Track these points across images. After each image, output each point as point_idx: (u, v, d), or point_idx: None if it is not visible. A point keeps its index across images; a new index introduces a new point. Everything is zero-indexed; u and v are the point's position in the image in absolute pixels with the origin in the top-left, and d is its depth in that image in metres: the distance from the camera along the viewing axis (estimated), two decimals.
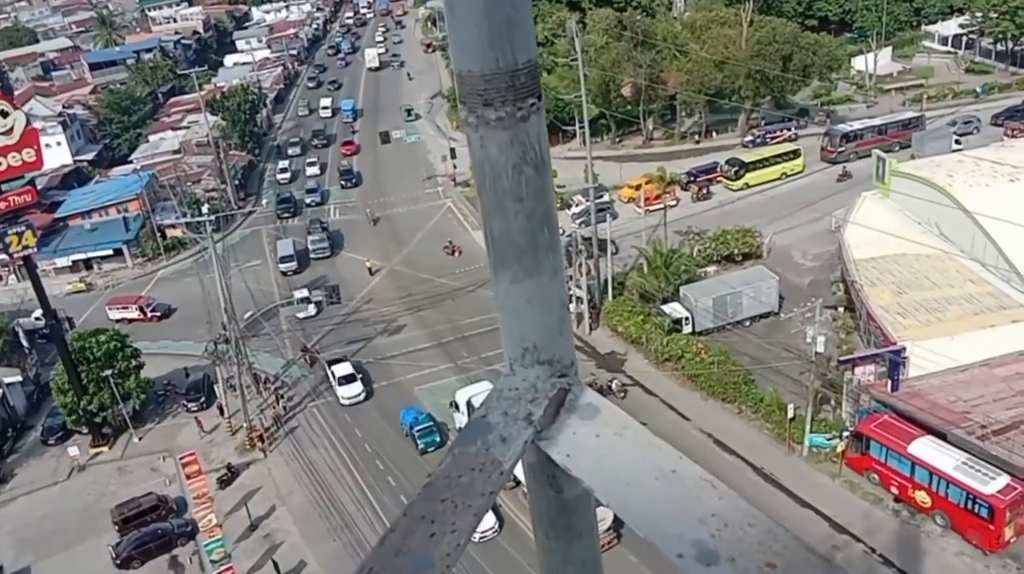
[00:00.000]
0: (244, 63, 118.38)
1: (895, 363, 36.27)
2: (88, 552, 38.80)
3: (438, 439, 41.21)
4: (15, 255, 45.13)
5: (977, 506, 31.44)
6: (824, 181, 63.56)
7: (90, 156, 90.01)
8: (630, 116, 73.90)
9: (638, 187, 62.19)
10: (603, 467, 1.72)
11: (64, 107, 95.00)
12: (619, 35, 74.09)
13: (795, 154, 66.30)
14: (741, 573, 1.47)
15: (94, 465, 45.40)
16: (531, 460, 1.87)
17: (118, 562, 37.66)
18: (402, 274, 59.92)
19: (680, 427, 39.59)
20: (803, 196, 60.59)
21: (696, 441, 38.33)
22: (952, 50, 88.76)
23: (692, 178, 65.79)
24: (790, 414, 38.13)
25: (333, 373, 47.40)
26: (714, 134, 75.77)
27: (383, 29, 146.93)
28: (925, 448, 33.40)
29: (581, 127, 60.50)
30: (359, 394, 46.29)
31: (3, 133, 41.50)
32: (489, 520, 34.82)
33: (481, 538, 34.33)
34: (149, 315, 58.79)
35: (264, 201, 77.89)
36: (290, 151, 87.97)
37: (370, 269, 60.64)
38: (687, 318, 46.63)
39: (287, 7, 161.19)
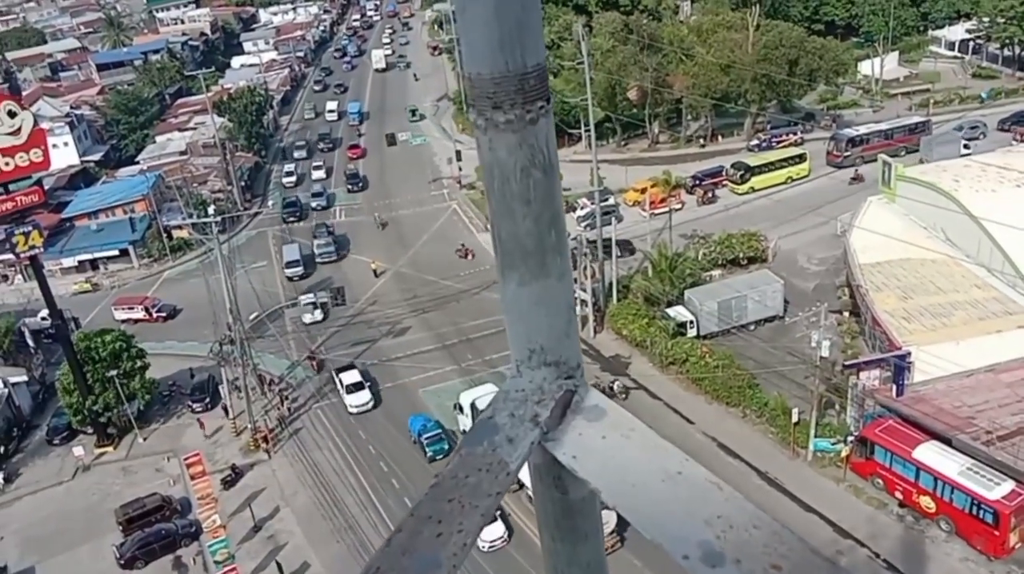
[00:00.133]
0: (251, 65, 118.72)
1: (900, 368, 36.17)
2: (92, 552, 38.85)
3: (447, 447, 40.58)
4: (22, 255, 45.20)
5: (982, 512, 31.33)
6: (830, 185, 63.48)
7: (97, 157, 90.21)
8: (636, 119, 73.92)
9: (643, 190, 62.14)
10: (609, 468, 1.73)
11: (72, 108, 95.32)
12: (625, 39, 74.09)
13: (801, 158, 66.21)
14: None
15: (99, 465, 45.49)
16: (537, 461, 1.87)
17: (122, 562, 37.69)
18: (407, 276, 59.96)
19: (684, 431, 39.53)
20: (809, 200, 60.50)
21: (700, 445, 38.27)
22: (959, 55, 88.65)
23: (697, 182, 65.75)
24: (794, 418, 38.06)
25: (341, 381, 46.78)
26: (720, 138, 75.71)
27: (390, 31, 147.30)
28: (930, 453, 33.30)
29: (587, 130, 60.45)
30: (367, 402, 45.60)
31: (11, 133, 41.60)
32: (499, 529, 34.65)
33: (491, 547, 34.22)
34: (155, 316, 58.89)
35: (270, 202, 77.92)
36: (296, 154, 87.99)
37: (375, 271, 60.67)
38: (692, 322, 46.55)
39: (294, 9, 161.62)
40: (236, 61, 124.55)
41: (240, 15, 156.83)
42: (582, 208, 59.93)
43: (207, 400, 48.06)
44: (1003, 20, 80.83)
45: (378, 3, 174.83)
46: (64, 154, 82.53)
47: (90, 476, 44.68)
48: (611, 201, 60.62)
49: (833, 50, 73.83)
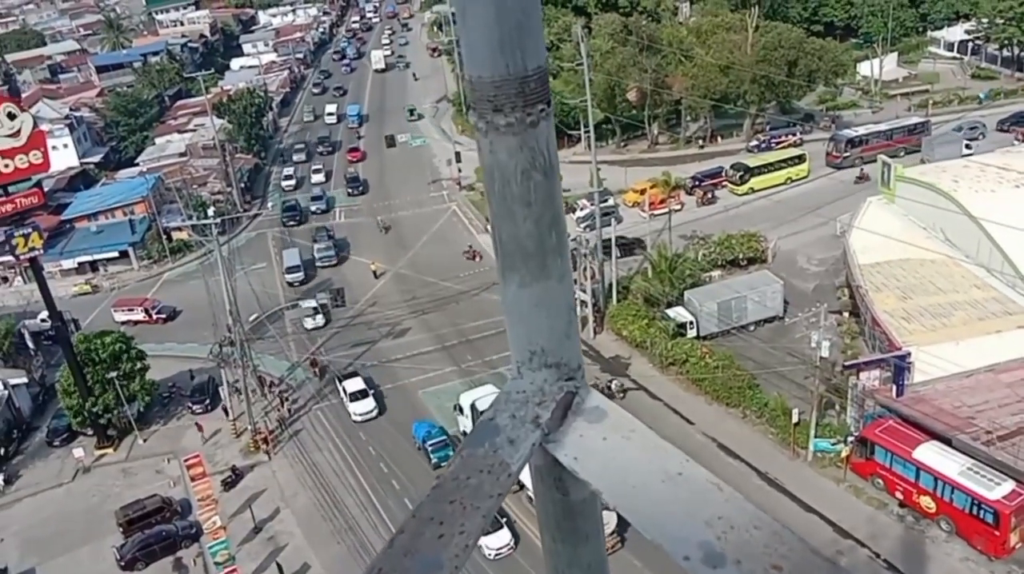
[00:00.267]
0: (250, 66, 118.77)
1: (900, 368, 36.18)
2: (92, 554, 38.84)
3: (452, 454, 40.60)
4: (21, 257, 45.22)
5: (982, 512, 31.34)
6: (829, 186, 63.51)
7: (97, 158, 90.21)
8: (635, 121, 73.93)
9: (643, 191, 62.16)
10: (610, 470, 1.74)
11: (71, 109, 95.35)
12: (624, 40, 74.12)
13: (800, 159, 66.25)
14: None
15: (99, 467, 45.47)
16: (538, 463, 1.88)
17: (122, 564, 37.66)
18: (407, 277, 59.96)
19: (684, 431, 39.53)
20: (808, 201, 60.53)
21: (700, 446, 38.27)
22: (958, 56, 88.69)
23: (697, 182, 65.77)
24: (794, 419, 38.07)
25: (344, 389, 46.20)
26: (719, 139, 75.74)
27: (389, 32, 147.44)
28: (930, 453, 33.30)
29: (586, 131, 60.48)
30: (371, 411, 45.06)
31: (10, 135, 41.58)
32: (505, 537, 34.50)
33: (497, 555, 34.15)
34: (154, 317, 58.88)
35: (270, 204, 77.90)
36: (295, 157, 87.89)
37: (375, 272, 60.67)
38: (691, 322, 46.56)
39: (293, 11, 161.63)
40: (235, 63, 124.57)
41: (239, 17, 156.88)
42: (582, 209, 59.95)
43: (207, 402, 48.05)
44: (1002, 21, 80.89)
45: (377, 5, 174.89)
46: (64, 156, 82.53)
47: (90, 478, 44.67)
48: (611, 202, 60.63)
49: (832, 51, 73.86)
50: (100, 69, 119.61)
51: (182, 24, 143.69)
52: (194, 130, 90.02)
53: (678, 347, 44.40)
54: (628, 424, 1.82)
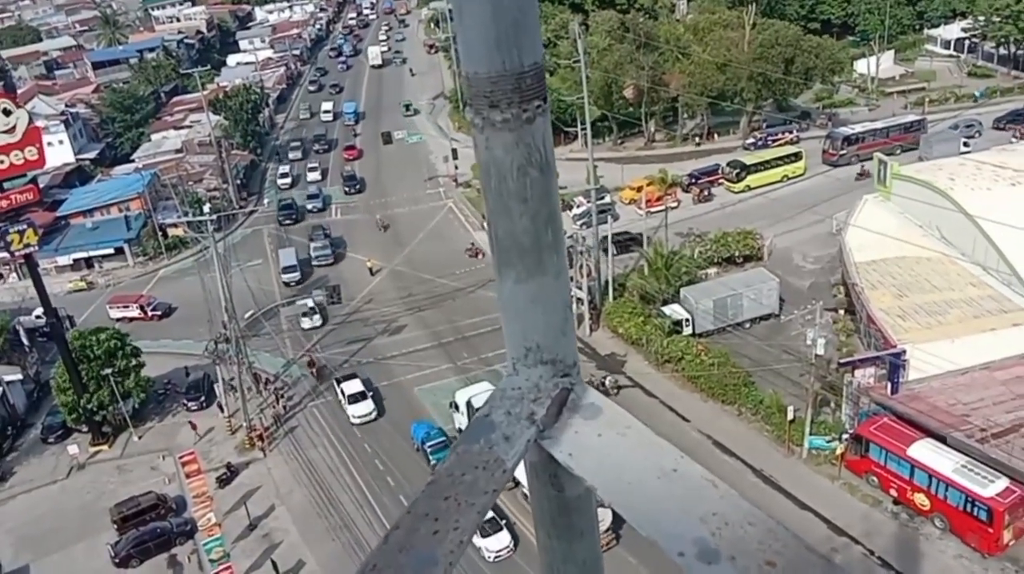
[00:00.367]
0: (247, 63, 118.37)
1: (895, 366, 36.25)
2: (87, 551, 38.80)
3: None
4: (16, 253, 45.12)
5: (976, 509, 31.43)
6: (825, 184, 63.54)
7: (92, 155, 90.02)
8: (632, 118, 73.90)
9: (639, 189, 62.19)
10: (605, 466, 1.74)
11: (67, 106, 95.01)
12: (621, 37, 74.09)
13: (796, 157, 66.30)
14: (741, 571, 1.49)
15: (93, 463, 45.39)
16: (533, 459, 1.88)
17: (117, 561, 37.63)
18: (403, 274, 59.92)
19: (680, 429, 39.57)
20: (804, 199, 60.58)
21: (696, 443, 38.31)
22: (954, 54, 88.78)
23: (693, 180, 65.81)
24: (790, 416, 38.13)
25: (343, 391, 45.87)
26: (716, 136, 75.77)
27: (386, 28, 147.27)
28: (924, 451, 33.39)
29: (583, 128, 60.48)
30: (370, 413, 44.74)
31: (6, 131, 41.50)
32: (504, 539, 34.43)
33: (496, 557, 34.09)
34: (150, 314, 58.78)
35: (266, 200, 77.77)
36: (291, 155, 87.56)
37: (371, 269, 60.61)
38: (687, 320, 46.61)
39: (290, 7, 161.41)
40: (232, 59, 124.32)
41: (236, 13, 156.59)
42: (578, 206, 59.96)
43: (202, 398, 47.99)
44: (998, 19, 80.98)
45: (374, 1, 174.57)
46: (59, 152, 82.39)
47: (85, 474, 44.58)
48: (607, 199, 60.64)
49: (829, 49, 73.91)
50: (96, 65, 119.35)
51: (178, 20, 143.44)
52: (190, 126, 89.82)
53: (674, 344, 44.44)
54: (623, 421, 1.83)
